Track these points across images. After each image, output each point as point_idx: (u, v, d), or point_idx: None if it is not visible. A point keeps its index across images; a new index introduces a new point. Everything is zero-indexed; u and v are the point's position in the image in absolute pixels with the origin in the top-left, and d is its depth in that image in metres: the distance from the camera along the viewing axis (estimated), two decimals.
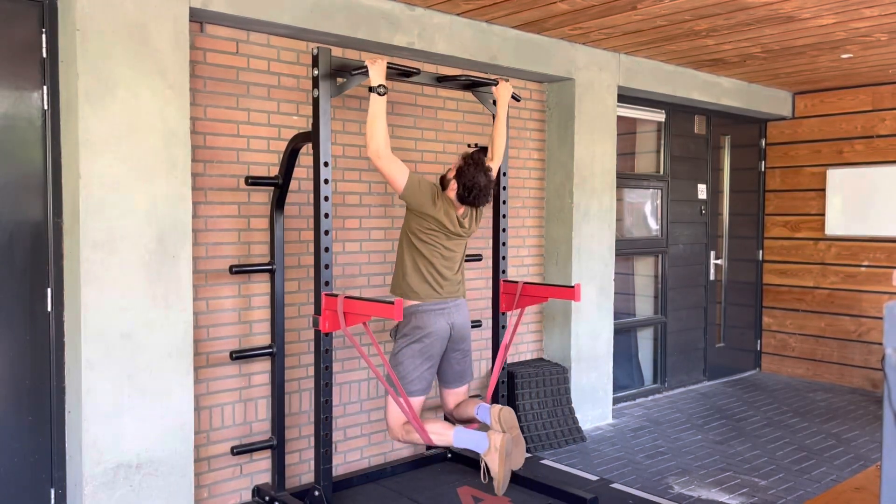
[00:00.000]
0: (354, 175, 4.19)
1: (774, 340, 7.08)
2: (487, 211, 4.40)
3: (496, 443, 3.38)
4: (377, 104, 3.33)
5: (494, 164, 3.85)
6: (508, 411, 3.51)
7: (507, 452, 3.38)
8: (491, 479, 3.45)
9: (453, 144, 4.63)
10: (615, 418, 5.48)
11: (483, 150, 4.00)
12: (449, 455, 4.39)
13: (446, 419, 3.98)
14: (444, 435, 3.52)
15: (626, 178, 5.90)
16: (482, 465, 3.44)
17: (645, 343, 6.33)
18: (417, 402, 3.61)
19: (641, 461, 4.59)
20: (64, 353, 3.24)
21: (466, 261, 4.17)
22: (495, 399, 4.10)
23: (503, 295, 4.16)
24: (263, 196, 3.82)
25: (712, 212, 6.70)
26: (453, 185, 3.57)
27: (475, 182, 3.51)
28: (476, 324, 4.55)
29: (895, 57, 5.32)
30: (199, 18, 3.52)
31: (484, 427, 3.66)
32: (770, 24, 4.43)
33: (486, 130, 4.71)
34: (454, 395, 3.81)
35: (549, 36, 4.76)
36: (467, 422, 3.75)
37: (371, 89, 3.34)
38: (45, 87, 3.16)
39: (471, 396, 3.97)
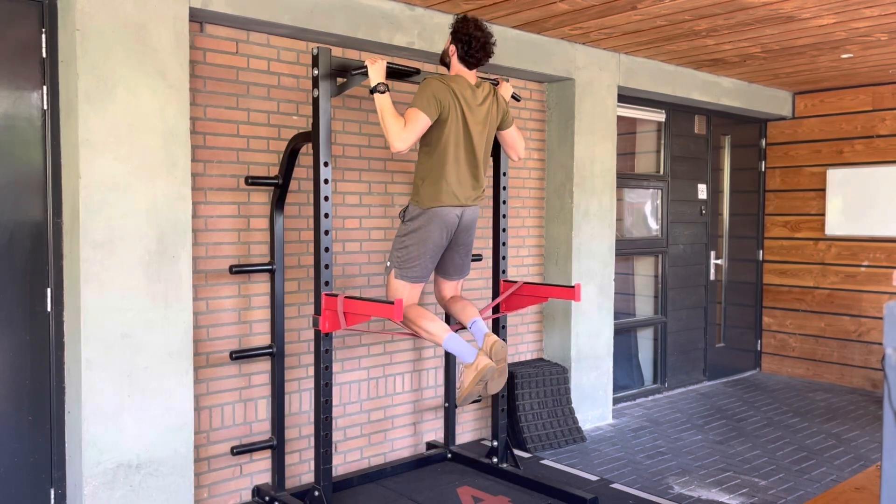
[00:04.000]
0: (354, 175, 4.19)
1: (774, 340, 7.08)
2: (487, 212, 4.41)
3: (479, 363, 3.40)
4: (382, 102, 3.32)
5: (517, 157, 3.92)
6: (501, 345, 3.49)
7: (485, 378, 3.41)
8: (459, 389, 3.50)
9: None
10: (615, 418, 5.47)
11: None
12: (449, 455, 4.39)
13: (447, 320, 4.04)
14: (436, 335, 3.49)
15: (626, 178, 5.90)
16: (459, 370, 3.51)
17: (645, 343, 6.32)
18: (416, 288, 3.60)
19: (641, 461, 4.59)
20: (64, 353, 3.24)
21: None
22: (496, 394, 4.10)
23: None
24: (263, 196, 3.82)
25: (712, 212, 6.70)
26: (452, 49, 3.54)
27: (471, 36, 3.47)
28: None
29: (895, 57, 5.32)
30: (199, 18, 3.52)
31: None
32: (770, 24, 4.43)
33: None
34: (449, 286, 3.83)
35: (548, 36, 4.76)
36: (456, 323, 3.80)
37: (372, 90, 3.34)
38: (45, 87, 3.16)
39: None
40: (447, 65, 3.63)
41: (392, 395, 4.42)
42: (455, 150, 3.48)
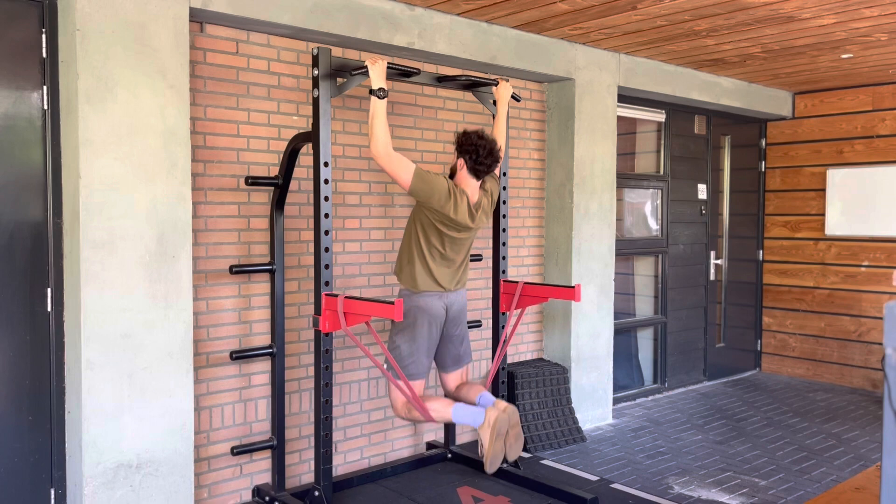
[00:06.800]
0: (354, 175, 4.19)
1: (774, 340, 7.08)
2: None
3: (490, 419, 3.48)
4: (377, 105, 3.36)
5: None
6: (513, 410, 3.58)
7: (500, 431, 3.49)
8: (483, 455, 3.56)
9: (453, 145, 4.62)
10: (615, 418, 5.47)
11: None
12: (449, 455, 4.39)
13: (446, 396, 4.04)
14: (443, 412, 3.59)
15: (626, 178, 5.90)
16: (478, 438, 3.56)
17: (645, 343, 6.32)
18: (417, 385, 3.66)
19: (641, 461, 4.59)
20: (64, 353, 3.24)
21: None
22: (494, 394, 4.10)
23: (503, 295, 4.16)
24: (263, 196, 3.82)
25: (712, 212, 6.70)
26: (461, 163, 3.61)
27: (476, 145, 3.56)
28: (476, 324, 4.55)
29: (895, 57, 5.32)
30: (199, 18, 3.52)
31: None
32: (770, 24, 4.44)
33: (486, 130, 4.71)
34: (453, 378, 3.88)
35: (549, 36, 4.76)
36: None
37: (371, 92, 3.36)
38: (45, 87, 3.16)
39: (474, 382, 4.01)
40: (453, 175, 3.71)
41: None
42: (444, 242, 3.58)
